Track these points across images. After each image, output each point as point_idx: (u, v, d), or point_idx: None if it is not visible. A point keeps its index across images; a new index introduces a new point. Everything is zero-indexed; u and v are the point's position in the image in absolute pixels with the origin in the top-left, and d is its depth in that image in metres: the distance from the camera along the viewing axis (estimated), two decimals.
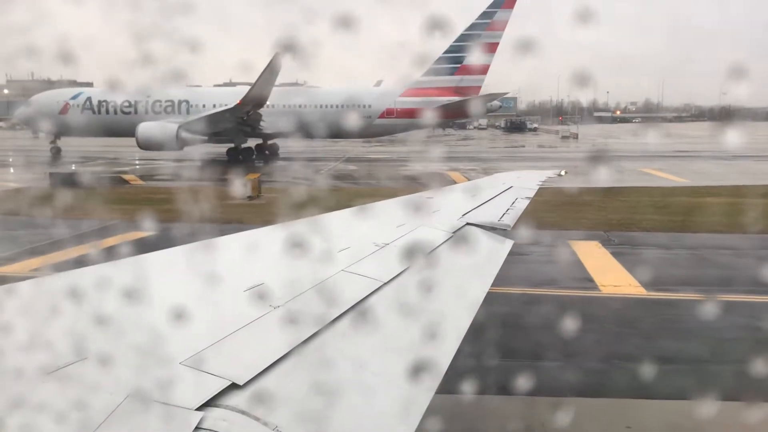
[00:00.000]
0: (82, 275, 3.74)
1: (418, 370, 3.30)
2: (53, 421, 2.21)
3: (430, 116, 50.12)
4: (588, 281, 15.45)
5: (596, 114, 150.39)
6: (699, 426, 8.35)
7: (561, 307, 13.23)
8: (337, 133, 50.92)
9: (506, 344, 10.68)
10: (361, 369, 3.23)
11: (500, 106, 62.07)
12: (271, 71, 41.13)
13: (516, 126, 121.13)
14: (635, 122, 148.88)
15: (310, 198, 27.36)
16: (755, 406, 7.91)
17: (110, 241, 19.07)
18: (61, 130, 51.48)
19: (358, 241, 5.22)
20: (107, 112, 51.70)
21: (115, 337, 2.87)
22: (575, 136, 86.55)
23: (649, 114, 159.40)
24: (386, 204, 7.78)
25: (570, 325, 11.20)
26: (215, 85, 64.20)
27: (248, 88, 43.58)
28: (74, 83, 79.38)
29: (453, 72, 52.50)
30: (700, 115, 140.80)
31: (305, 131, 50.46)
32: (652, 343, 11.68)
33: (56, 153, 51.85)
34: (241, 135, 48.81)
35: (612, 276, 15.84)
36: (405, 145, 76.29)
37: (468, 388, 7.96)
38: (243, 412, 2.44)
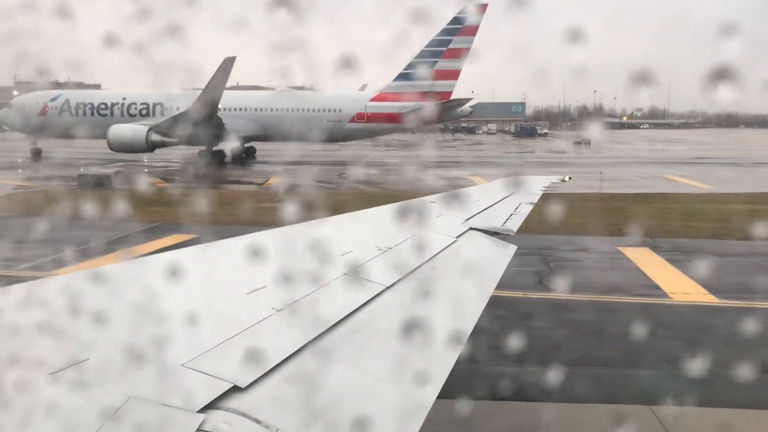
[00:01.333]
0: (85, 277, 3.75)
1: (420, 374, 3.30)
2: (55, 421, 2.21)
3: (400, 120, 50.89)
4: (655, 288, 15.34)
5: (604, 120, 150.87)
6: None
7: (645, 316, 13.11)
8: (308, 136, 50.84)
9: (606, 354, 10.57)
10: (362, 373, 3.22)
11: (471, 112, 61.54)
12: (222, 74, 41.55)
13: (526, 131, 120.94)
14: (643, 128, 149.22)
15: (337, 201, 27.32)
16: None
17: (163, 243, 18.96)
18: (41, 132, 51.84)
19: (361, 245, 5.23)
20: (84, 114, 52.01)
21: (117, 338, 2.86)
22: (588, 142, 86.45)
23: (656, 120, 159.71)
24: (389, 208, 7.75)
25: (664, 333, 11.05)
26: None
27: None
28: (81, 85, 79.26)
29: (424, 77, 52.53)
30: (707, 121, 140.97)
31: (276, 135, 51.02)
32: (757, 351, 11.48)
33: (36, 154, 52.13)
34: (211, 138, 48.73)
35: (677, 283, 15.74)
36: (417, 149, 76.32)
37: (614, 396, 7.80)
38: (244, 415, 2.44)
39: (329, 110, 52.83)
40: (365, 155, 61.82)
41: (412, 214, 7.31)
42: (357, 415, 2.81)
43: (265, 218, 21.97)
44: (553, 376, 9.91)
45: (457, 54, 51.26)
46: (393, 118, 51.37)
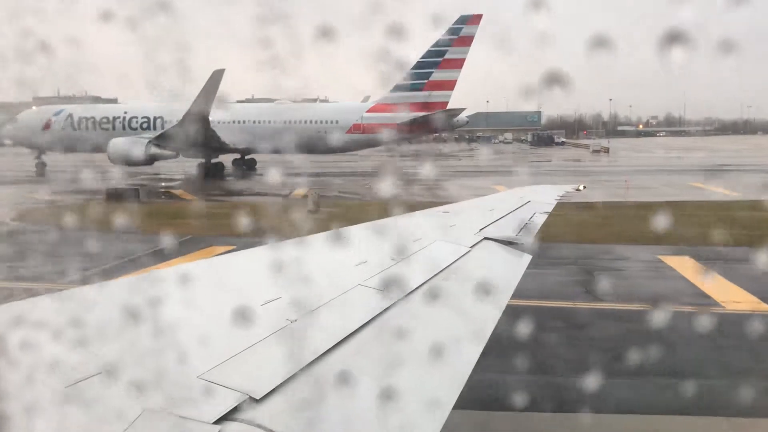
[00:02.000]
0: (99, 289, 3.77)
1: (435, 385, 3.31)
2: None
3: (396, 131, 51.74)
4: (705, 297, 15.20)
5: (619, 128, 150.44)
6: None
7: (705, 326, 12.95)
8: (304, 148, 51.41)
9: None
10: (378, 384, 3.18)
11: (467, 122, 62.30)
12: (210, 87, 41.91)
13: (544, 140, 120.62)
14: (660, 136, 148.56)
15: (364, 211, 27.29)
16: None
17: (198, 256, 18.98)
18: (45, 147, 52.64)
19: (375, 255, 5.17)
20: (87, 128, 52.86)
21: (132, 350, 2.85)
22: (606, 150, 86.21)
23: (673, 128, 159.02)
24: (403, 218, 7.70)
25: (730, 343, 10.91)
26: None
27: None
28: (98, 99, 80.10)
29: (420, 88, 52.87)
30: (723, 128, 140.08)
31: (274, 147, 50.73)
32: None
33: (41, 168, 52.72)
34: (208, 150, 49.44)
35: (726, 292, 15.59)
36: (434, 159, 76.35)
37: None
38: (260, 426, 2.42)
39: (326, 122, 53.50)
40: (383, 166, 61.80)
41: (425, 223, 7.33)
42: (373, 425, 2.80)
43: (301, 229, 21.93)
44: (636, 387, 9.84)
45: (453, 65, 52.06)
46: (390, 129, 51.79)
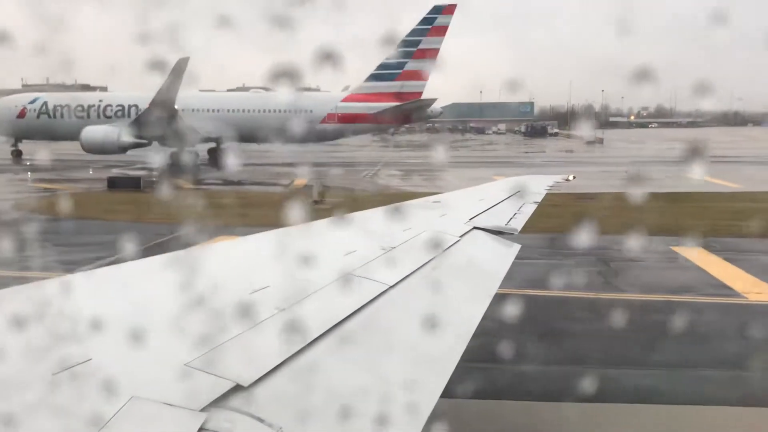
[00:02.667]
0: (86, 277, 3.78)
1: (423, 373, 3.33)
2: (58, 421, 2.21)
3: (371, 121, 51.80)
4: (725, 288, 15.27)
5: (611, 119, 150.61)
6: None
7: (732, 316, 13.04)
8: (279, 137, 51.12)
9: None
10: (365, 371, 3.22)
11: (441, 113, 62.66)
12: (175, 76, 41.79)
13: (537, 131, 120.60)
14: (652, 127, 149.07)
15: (369, 202, 27.21)
16: None
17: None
18: (20, 135, 52.87)
19: (365, 244, 5.22)
20: (62, 116, 52.78)
21: (120, 338, 2.85)
22: (600, 141, 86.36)
23: (664, 119, 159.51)
24: (393, 208, 7.74)
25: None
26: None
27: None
28: (87, 87, 79.62)
29: (394, 78, 53.09)
30: (714, 120, 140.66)
31: (248, 136, 51.45)
32: None
33: (17, 156, 52.86)
34: (181, 139, 49.04)
35: (746, 283, 15.68)
36: (429, 149, 76.17)
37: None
38: (247, 414, 2.44)
39: (300, 111, 53.36)
40: (381, 156, 61.73)
41: (415, 213, 7.31)
42: (360, 413, 2.81)
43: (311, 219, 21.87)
44: (669, 378, 9.86)
45: (427, 55, 51.91)
46: (364, 119, 52.06)
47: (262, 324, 3.26)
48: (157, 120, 44.60)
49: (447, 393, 3.16)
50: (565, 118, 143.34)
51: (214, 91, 57.82)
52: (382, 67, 52.98)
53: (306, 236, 5.15)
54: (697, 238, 21.00)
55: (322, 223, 5.81)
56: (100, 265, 4.36)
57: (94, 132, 47.22)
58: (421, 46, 51.90)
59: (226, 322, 3.16)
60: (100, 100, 53.27)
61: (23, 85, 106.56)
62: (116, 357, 2.70)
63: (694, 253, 18.95)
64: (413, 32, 52.08)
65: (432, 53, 51.82)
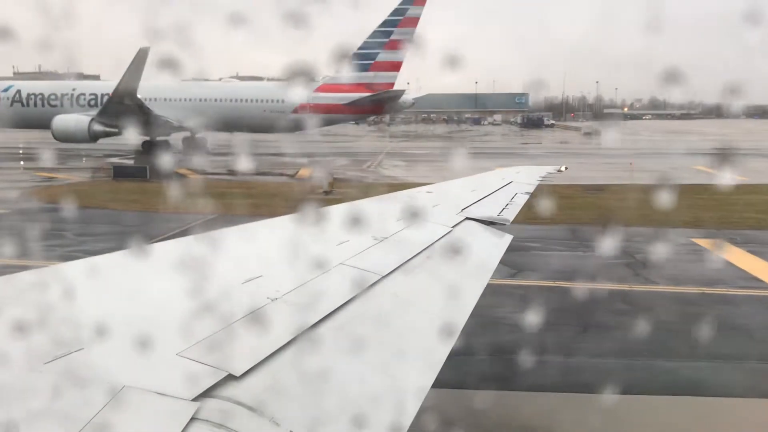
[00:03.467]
0: (80, 266, 3.74)
1: (415, 363, 3.35)
2: (50, 410, 2.21)
3: (343, 111, 52.07)
4: (755, 280, 15.27)
5: (606, 110, 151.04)
6: None
7: None
8: (252, 127, 51.73)
9: None
10: (357, 361, 3.21)
11: (413, 103, 62.22)
12: (136, 65, 41.87)
13: (533, 122, 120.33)
14: (646, 119, 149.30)
15: (377, 193, 27.05)
16: None
17: None
18: None
19: (357, 235, 5.20)
20: (35, 104, 52.58)
21: (112, 327, 2.83)
22: (598, 133, 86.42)
23: (658, 111, 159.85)
24: (386, 198, 7.76)
25: None
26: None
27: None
28: (81, 76, 79.06)
29: (366, 68, 52.87)
30: (707, 112, 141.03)
31: (221, 125, 51.21)
32: None
33: None
34: (152, 128, 49.18)
35: None
36: (427, 140, 76.02)
37: None
38: (239, 403, 2.44)
39: (272, 101, 53.34)
40: (380, 146, 61.57)
41: (408, 203, 7.32)
42: (352, 403, 2.82)
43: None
44: (719, 371, 9.82)
45: (399, 45, 51.85)
46: (335, 109, 52.10)
47: (254, 313, 3.26)
48: (121, 109, 44.56)
49: (439, 383, 3.17)
50: (560, 110, 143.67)
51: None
52: (354, 57, 52.66)
53: (298, 226, 5.16)
54: (715, 231, 21.05)
55: (314, 213, 5.67)
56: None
57: (65, 121, 47.24)
58: (392, 37, 52.06)
59: (219, 311, 3.15)
60: (74, 89, 52.96)
61: (14, 73, 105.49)
62: (108, 346, 2.68)
63: (717, 246, 18.95)
64: (385, 23, 52.37)
65: (404, 44, 51.69)
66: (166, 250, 4.21)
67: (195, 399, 2.37)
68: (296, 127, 52.96)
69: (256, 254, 4.51)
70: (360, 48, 52.44)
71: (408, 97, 57.97)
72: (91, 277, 3.58)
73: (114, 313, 2.99)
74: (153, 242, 4.50)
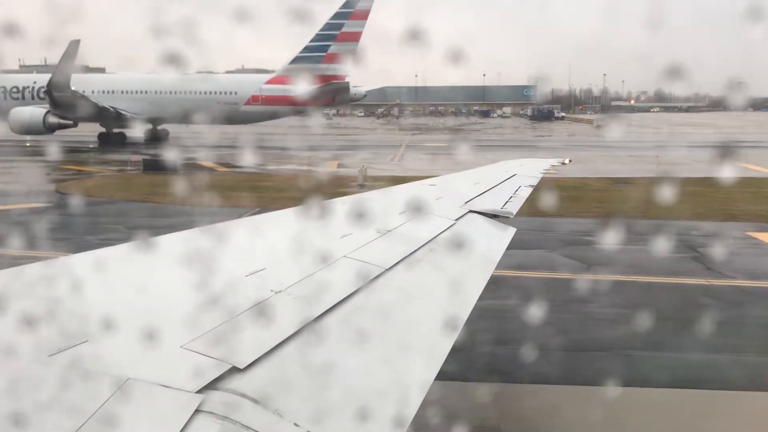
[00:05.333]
0: (86, 259, 3.77)
1: (418, 355, 3.36)
2: (55, 402, 2.22)
3: (294, 103, 52.16)
4: None
5: (613, 103, 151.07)
6: None
7: None
8: (207, 119, 52.13)
9: None
10: (361, 354, 3.22)
11: (365, 95, 62.71)
12: (67, 57, 42.89)
13: (544, 115, 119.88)
14: (654, 111, 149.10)
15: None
16: None
17: None
18: None
19: (361, 227, 5.21)
20: None
21: (116, 320, 2.83)
22: (611, 125, 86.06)
23: (665, 104, 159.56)
24: (389, 191, 7.74)
25: None
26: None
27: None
28: (87, 69, 79.21)
29: (319, 60, 53.63)
30: (714, 104, 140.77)
31: (177, 117, 52.59)
32: None
33: None
34: (109, 120, 51.08)
35: None
36: (438, 133, 75.77)
37: None
38: (243, 395, 2.45)
39: (225, 93, 54.41)
40: (398, 139, 61.35)
41: (411, 196, 7.30)
42: (355, 395, 2.82)
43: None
44: None
45: (350, 37, 52.73)
46: (287, 101, 52.55)
47: (258, 306, 3.26)
48: (67, 101, 45.76)
49: (442, 375, 3.16)
50: (568, 102, 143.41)
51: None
52: (306, 49, 53.85)
53: (301, 219, 5.14)
54: (764, 223, 20.98)
55: (317, 206, 5.62)
56: None
57: (21, 113, 48.09)
58: (343, 30, 52.76)
59: (223, 303, 3.16)
60: (35, 82, 53.61)
61: (21, 66, 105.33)
62: (113, 338, 2.69)
63: None
64: (336, 15, 52.90)
65: (355, 36, 52.78)
66: (171, 243, 4.21)
67: (199, 391, 2.37)
68: (248, 118, 54.49)
69: (259, 247, 4.53)
70: (312, 40, 53.35)
71: (361, 89, 58.94)
72: (95, 269, 3.58)
73: (118, 306, 3.00)
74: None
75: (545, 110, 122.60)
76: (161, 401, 2.31)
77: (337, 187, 28.22)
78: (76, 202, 25.87)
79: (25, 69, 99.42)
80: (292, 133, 58.32)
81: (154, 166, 34.23)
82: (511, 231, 6.46)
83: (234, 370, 2.57)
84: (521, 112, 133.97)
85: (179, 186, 28.03)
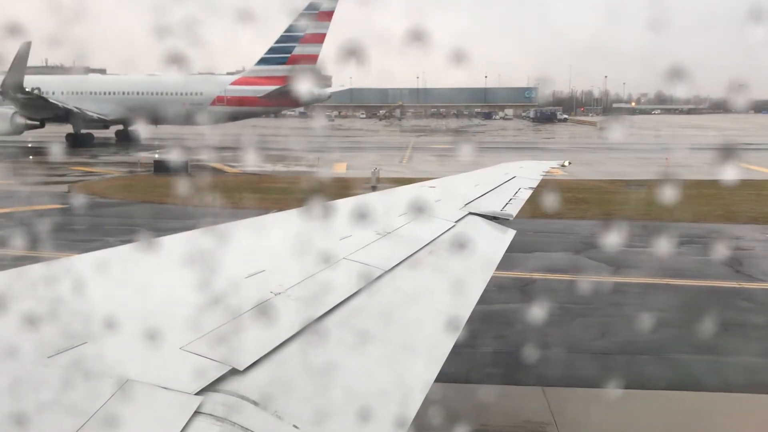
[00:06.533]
0: (86, 260, 3.76)
1: (418, 357, 3.36)
2: (55, 403, 2.22)
3: (258, 104, 53.53)
4: None
5: (615, 105, 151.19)
6: None
7: None
8: (174, 119, 52.55)
9: None
10: (361, 355, 3.22)
11: (329, 96, 62.74)
12: (20, 59, 43.38)
13: (546, 117, 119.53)
14: (655, 113, 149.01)
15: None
16: None
17: None
18: None
19: (361, 229, 5.23)
20: None
21: (116, 321, 2.84)
22: (614, 127, 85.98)
23: (667, 106, 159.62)
24: (389, 193, 7.75)
25: None
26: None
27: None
28: (88, 70, 79.18)
29: (284, 62, 54.01)
30: (715, 106, 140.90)
31: (145, 118, 53.11)
32: None
33: None
34: (77, 121, 51.27)
35: None
36: (444, 135, 75.74)
37: None
38: (242, 397, 2.44)
39: (191, 94, 54.93)
40: (405, 142, 61.27)
41: (411, 198, 7.31)
42: (355, 396, 2.81)
43: None
44: None
45: (314, 39, 53.46)
46: (250, 102, 53.56)
47: (257, 308, 3.25)
48: (28, 102, 46.71)
49: (442, 377, 3.15)
50: (570, 104, 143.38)
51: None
52: (271, 51, 54.39)
53: (302, 221, 5.14)
54: None
55: (317, 208, 5.61)
56: None
57: None
58: (308, 31, 53.17)
59: (222, 305, 3.15)
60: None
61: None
62: (112, 340, 2.69)
63: None
64: (300, 17, 53.22)
65: (319, 38, 53.37)
66: (171, 244, 4.20)
67: (199, 393, 2.37)
68: (214, 119, 54.73)
69: (259, 249, 4.53)
70: (277, 42, 53.94)
71: (326, 90, 59.21)
72: (95, 271, 3.59)
73: (118, 307, 2.99)
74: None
75: (548, 112, 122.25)
76: (161, 403, 2.31)
77: (350, 189, 28.16)
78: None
79: (26, 70, 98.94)
80: (294, 135, 58.33)
81: (165, 168, 34.11)
82: (510, 233, 6.48)
83: (234, 372, 2.57)
84: (523, 114, 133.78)
85: (203, 188, 28.02)
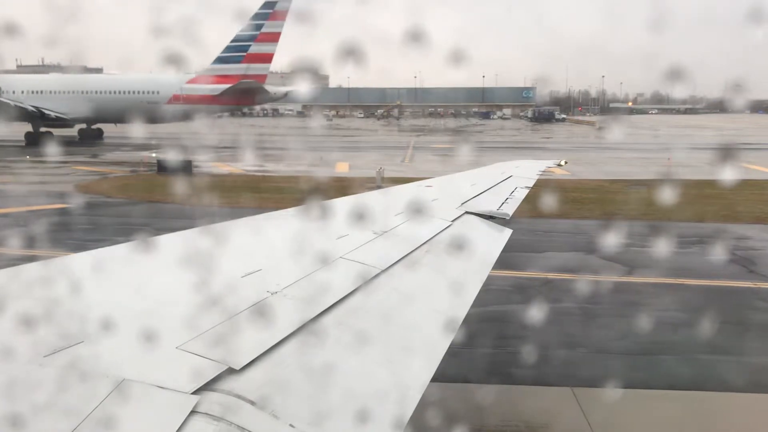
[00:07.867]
0: (81, 259, 3.76)
1: (414, 357, 3.36)
2: (51, 402, 2.21)
3: (214, 102, 54.08)
4: None
5: (612, 105, 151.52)
6: None
7: None
8: (133, 118, 52.62)
9: None
10: (357, 355, 3.22)
11: (286, 95, 62.31)
12: None
13: (544, 116, 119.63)
14: (652, 113, 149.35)
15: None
16: None
17: None
18: None
19: (357, 228, 5.22)
20: None
21: (112, 320, 2.83)
22: (613, 127, 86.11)
23: (664, 106, 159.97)
24: (385, 192, 7.76)
25: None
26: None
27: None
28: (85, 69, 79.12)
29: (240, 60, 54.69)
30: (712, 106, 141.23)
31: (104, 117, 54.73)
32: None
33: None
34: (36, 120, 51.91)
35: None
36: (441, 135, 75.73)
37: None
38: (239, 396, 2.44)
39: (148, 92, 55.65)
40: (406, 141, 61.27)
41: (407, 198, 7.32)
42: (351, 396, 2.81)
43: None
44: None
45: (269, 38, 53.96)
46: (206, 100, 53.91)
47: (254, 307, 3.25)
48: None
49: (439, 377, 3.15)
50: (567, 104, 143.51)
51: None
52: (227, 50, 54.81)
53: (297, 220, 5.17)
54: None
55: (313, 207, 5.65)
56: None
57: None
58: (263, 30, 53.59)
59: (218, 305, 3.15)
60: None
61: (18, 66, 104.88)
62: (108, 339, 2.68)
63: None
64: (255, 16, 53.54)
65: (274, 37, 53.85)
66: (167, 243, 4.20)
67: (195, 392, 2.37)
68: (170, 117, 54.18)
69: (256, 248, 4.53)
70: (233, 41, 54.39)
71: (281, 88, 59.71)
72: (90, 270, 3.58)
73: (114, 306, 2.99)
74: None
75: (546, 112, 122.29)
76: (157, 402, 2.31)
77: (356, 188, 28.12)
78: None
79: (21, 69, 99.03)
80: (293, 135, 58.29)
81: (169, 168, 34.02)
82: (507, 232, 6.49)
83: (230, 371, 2.57)
84: (521, 113, 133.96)
85: (213, 188, 27.97)
